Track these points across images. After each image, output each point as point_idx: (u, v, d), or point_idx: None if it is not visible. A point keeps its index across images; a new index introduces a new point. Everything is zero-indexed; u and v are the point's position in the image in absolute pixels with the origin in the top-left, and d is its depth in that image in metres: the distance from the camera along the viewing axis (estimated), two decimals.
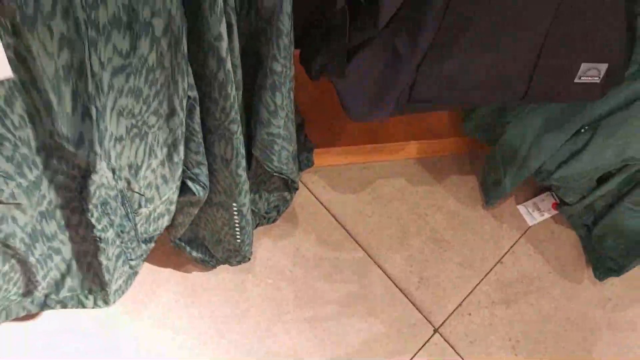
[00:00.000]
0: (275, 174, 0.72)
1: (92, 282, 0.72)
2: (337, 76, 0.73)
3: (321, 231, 1.03)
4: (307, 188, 1.08)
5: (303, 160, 1.00)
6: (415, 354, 0.94)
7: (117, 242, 0.66)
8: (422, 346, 0.95)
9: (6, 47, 0.43)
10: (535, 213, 1.10)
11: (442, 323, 0.98)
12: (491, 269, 1.03)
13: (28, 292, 0.69)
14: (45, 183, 0.56)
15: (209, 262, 0.87)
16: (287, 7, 0.54)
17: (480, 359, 0.95)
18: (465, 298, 1.00)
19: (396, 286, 1.00)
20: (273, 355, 0.89)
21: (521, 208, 1.11)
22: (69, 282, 0.70)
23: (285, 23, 0.55)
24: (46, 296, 0.72)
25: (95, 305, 0.75)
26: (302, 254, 1.00)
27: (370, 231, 1.05)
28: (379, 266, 1.01)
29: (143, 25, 0.47)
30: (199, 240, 0.85)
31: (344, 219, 1.05)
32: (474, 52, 0.74)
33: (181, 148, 0.60)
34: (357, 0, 0.67)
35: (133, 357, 0.86)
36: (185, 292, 0.92)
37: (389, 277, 1.00)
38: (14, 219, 0.57)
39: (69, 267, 0.69)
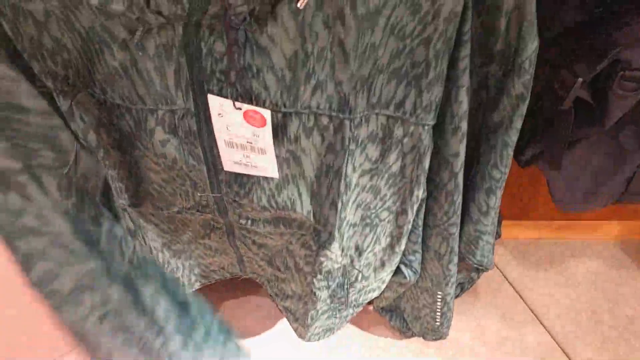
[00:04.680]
0: (475, 265, 0.73)
1: (299, 319, 0.80)
2: (552, 168, 0.72)
3: (505, 308, 1.00)
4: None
5: None
6: None
7: (328, 302, 0.74)
8: None
9: (285, 151, 0.52)
10: None
11: None
12: None
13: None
14: (294, 238, 0.66)
15: (405, 332, 0.90)
16: (518, 123, 0.55)
17: None
18: None
19: None
20: None
21: None
22: (288, 302, 0.80)
23: (513, 137, 0.56)
24: None
25: (297, 334, 0.83)
26: (484, 330, 0.98)
27: (559, 315, 0.99)
28: (565, 354, 0.95)
29: (394, 142, 0.52)
30: (400, 312, 0.89)
31: (530, 298, 1.01)
32: None
33: (404, 241, 0.65)
34: (583, 100, 0.65)
35: None
36: (367, 349, 0.96)
37: None
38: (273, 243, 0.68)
39: (291, 298, 0.78)
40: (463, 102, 0.50)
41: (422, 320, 0.82)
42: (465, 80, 0.48)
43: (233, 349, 0.68)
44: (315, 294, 0.70)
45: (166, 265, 0.76)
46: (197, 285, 0.85)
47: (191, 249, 0.74)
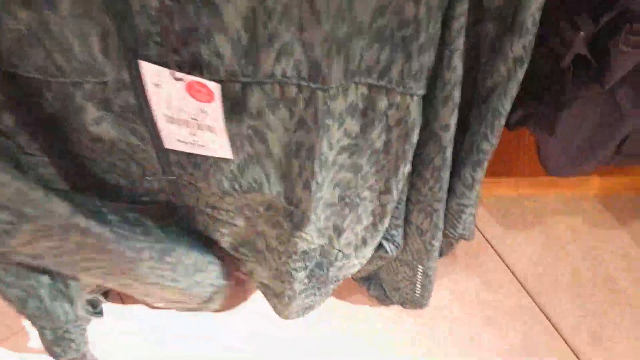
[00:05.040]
0: (456, 238, 0.67)
1: (278, 296, 0.75)
2: (547, 133, 0.65)
3: (484, 270, 0.97)
4: None
5: None
6: None
7: (305, 281, 0.68)
8: None
9: (247, 128, 0.44)
10: None
11: None
12: None
13: None
14: (262, 220, 0.58)
15: (384, 300, 0.86)
16: (513, 90, 0.47)
17: None
18: None
19: (564, 341, 0.91)
20: None
21: None
22: (264, 280, 0.74)
23: (507, 106, 0.49)
24: None
25: (275, 311, 0.79)
26: (462, 293, 0.95)
27: (539, 275, 0.96)
28: (546, 316, 0.93)
29: (378, 115, 0.44)
30: (378, 281, 0.85)
31: (510, 259, 0.98)
32: None
33: (387, 220, 0.59)
34: (582, 57, 0.58)
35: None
36: (347, 320, 0.92)
37: (557, 331, 0.92)
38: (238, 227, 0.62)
39: (265, 277, 0.72)
40: (457, 68, 0.42)
41: (402, 292, 0.77)
42: (460, 42, 0.40)
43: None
44: (291, 274, 0.64)
45: None
46: None
47: None
